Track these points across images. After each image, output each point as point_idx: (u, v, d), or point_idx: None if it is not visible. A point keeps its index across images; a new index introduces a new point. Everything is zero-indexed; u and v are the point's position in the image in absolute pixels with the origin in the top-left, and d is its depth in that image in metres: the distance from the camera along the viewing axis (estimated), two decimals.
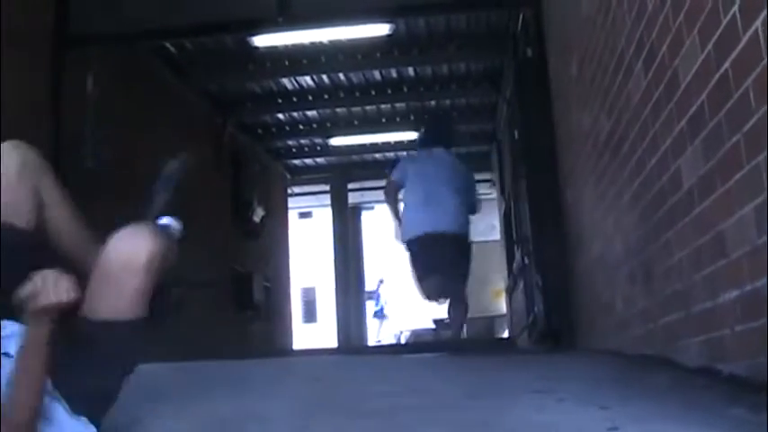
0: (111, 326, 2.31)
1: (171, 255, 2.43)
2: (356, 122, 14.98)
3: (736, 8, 2.58)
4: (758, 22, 2.41)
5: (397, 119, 14.84)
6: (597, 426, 2.39)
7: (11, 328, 2.21)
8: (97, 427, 2.35)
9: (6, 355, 2.17)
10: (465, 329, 10.86)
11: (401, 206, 8.77)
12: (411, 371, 3.67)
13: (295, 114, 14.62)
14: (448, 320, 8.71)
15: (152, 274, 2.36)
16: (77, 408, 2.27)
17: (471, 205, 8.70)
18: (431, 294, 8.38)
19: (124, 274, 2.34)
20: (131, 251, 2.35)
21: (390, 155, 17.12)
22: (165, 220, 2.53)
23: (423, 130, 9.79)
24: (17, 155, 2.47)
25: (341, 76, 12.81)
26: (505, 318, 17.18)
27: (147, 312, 2.45)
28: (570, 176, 6.83)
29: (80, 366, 2.28)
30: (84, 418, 2.29)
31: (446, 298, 8.45)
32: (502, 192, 14.35)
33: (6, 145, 2.42)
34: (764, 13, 2.36)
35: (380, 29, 10.40)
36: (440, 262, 8.06)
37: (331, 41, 11.21)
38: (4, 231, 2.37)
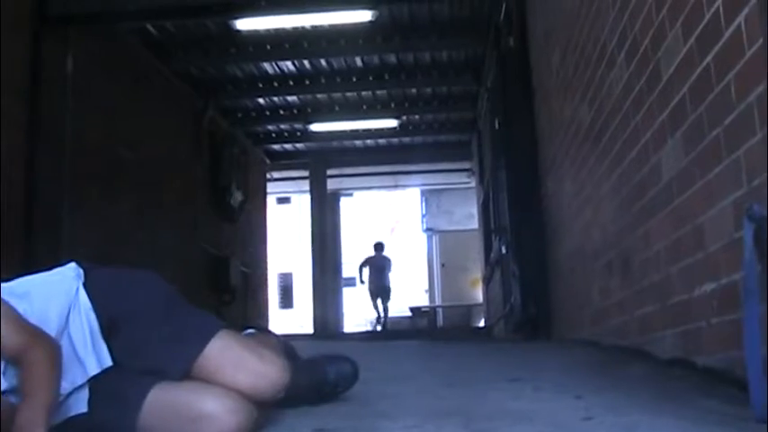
0: None
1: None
2: (337, 109, 14.94)
3: (719, 3, 2.59)
4: (741, 17, 2.42)
5: (378, 106, 14.81)
6: (572, 414, 2.40)
7: None
8: None
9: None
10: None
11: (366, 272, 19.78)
12: (388, 358, 3.69)
13: (276, 99, 14.57)
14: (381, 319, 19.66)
15: None
16: None
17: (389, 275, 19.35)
18: (377, 305, 19.77)
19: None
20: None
21: (370, 142, 17.12)
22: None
23: (377, 244, 20.34)
24: None
25: (322, 61, 12.77)
26: (482, 307, 17.23)
27: None
28: (550, 167, 6.85)
29: None
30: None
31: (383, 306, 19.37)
32: (481, 181, 14.37)
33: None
34: (747, 8, 2.37)
35: (363, 15, 10.36)
36: (382, 293, 19.47)
37: (313, 27, 11.16)
38: None
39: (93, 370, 2.28)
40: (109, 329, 2.34)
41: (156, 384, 2.29)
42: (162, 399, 2.28)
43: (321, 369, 2.79)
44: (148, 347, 2.36)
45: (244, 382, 2.32)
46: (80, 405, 2.27)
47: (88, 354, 2.29)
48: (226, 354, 2.36)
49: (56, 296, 2.32)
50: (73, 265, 2.45)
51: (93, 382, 2.29)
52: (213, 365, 2.34)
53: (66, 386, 2.22)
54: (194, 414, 2.24)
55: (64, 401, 2.23)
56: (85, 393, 2.28)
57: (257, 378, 2.35)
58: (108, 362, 2.31)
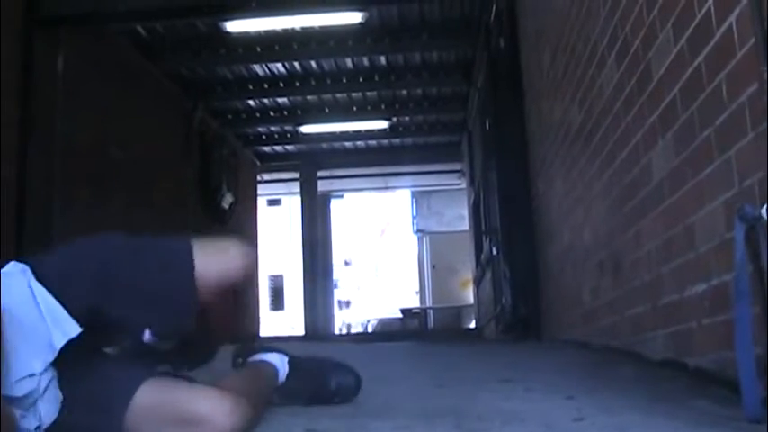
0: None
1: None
2: (327, 110, 14.93)
3: (710, 2, 2.59)
4: (732, 17, 2.42)
5: (369, 107, 14.81)
6: (564, 415, 2.40)
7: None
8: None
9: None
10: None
11: None
12: (378, 359, 3.69)
13: (266, 101, 14.56)
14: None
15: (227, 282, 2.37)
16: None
17: None
18: None
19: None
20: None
21: (361, 144, 17.11)
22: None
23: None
24: None
25: (312, 63, 12.76)
26: (473, 308, 17.24)
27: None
28: (541, 167, 6.85)
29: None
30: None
31: None
32: (471, 182, 14.38)
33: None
34: (739, 8, 2.38)
35: (353, 16, 10.37)
36: None
37: (303, 28, 11.15)
38: None
39: (60, 341, 2.15)
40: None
41: (144, 382, 2.21)
42: (150, 400, 2.19)
43: (323, 375, 2.78)
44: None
45: None
46: (51, 411, 2.20)
47: (49, 328, 2.15)
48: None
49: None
50: (12, 263, 2.29)
51: (68, 384, 2.19)
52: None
53: (37, 365, 2.12)
54: (187, 416, 2.17)
55: (32, 406, 2.18)
56: (56, 396, 2.22)
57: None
58: (74, 330, 2.16)
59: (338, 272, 21.86)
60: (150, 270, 2.31)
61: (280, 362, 2.77)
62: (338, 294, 26.12)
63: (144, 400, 2.19)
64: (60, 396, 2.19)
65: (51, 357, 2.14)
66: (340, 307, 27.47)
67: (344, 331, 23.44)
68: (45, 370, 2.14)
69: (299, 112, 15.04)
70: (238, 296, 2.57)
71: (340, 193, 22.72)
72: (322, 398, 2.75)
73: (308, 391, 2.72)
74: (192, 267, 2.30)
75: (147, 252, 2.39)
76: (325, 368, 2.82)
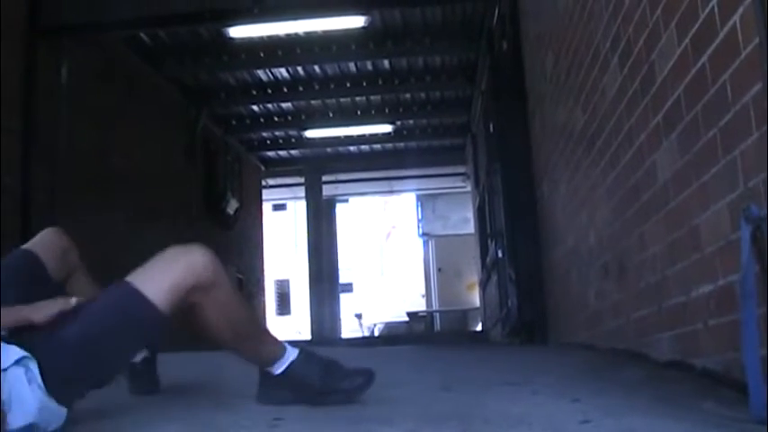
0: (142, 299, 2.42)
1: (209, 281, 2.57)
2: (331, 115, 14.95)
3: (714, 2, 2.59)
4: (736, 17, 2.42)
5: (372, 111, 14.83)
6: (570, 418, 2.39)
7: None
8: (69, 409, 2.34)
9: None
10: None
11: None
12: (384, 363, 3.67)
13: (269, 106, 14.58)
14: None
15: (191, 281, 2.50)
16: (54, 386, 2.27)
17: None
18: None
19: (175, 264, 2.53)
20: (193, 256, 2.57)
21: (365, 147, 17.12)
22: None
23: None
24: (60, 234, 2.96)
25: (316, 67, 12.78)
26: (479, 311, 17.23)
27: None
28: (545, 170, 6.85)
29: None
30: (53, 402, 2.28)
31: None
32: (476, 185, 14.37)
33: (53, 229, 2.96)
34: (742, 7, 2.37)
35: (356, 21, 10.37)
36: None
37: (306, 33, 11.17)
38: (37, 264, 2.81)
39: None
40: None
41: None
42: (147, 280, 2.45)
43: (336, 370, 2.83)
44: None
45: None
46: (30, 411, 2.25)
47: None
48: None
49: None
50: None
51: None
52: None
53: None
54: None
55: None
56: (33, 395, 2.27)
57: None
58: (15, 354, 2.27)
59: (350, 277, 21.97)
60: (113, 331, 2.43)
61: (289, 349, 2.81)
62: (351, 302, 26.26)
63: (145, 286, 2.42)
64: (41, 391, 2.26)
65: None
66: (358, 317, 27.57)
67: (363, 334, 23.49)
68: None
69: (302, 116, 15.07)
70: (232, 295, 2.66)
71: (345, 198, 22.73)
72: (330, 389, 2.78)
73: (319, 379, 2.76)
74: (144, 302, 2.41)
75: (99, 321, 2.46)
76: (338, 364, 2.86)
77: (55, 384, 2.27)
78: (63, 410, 2.32)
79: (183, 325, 2.59)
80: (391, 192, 22.80)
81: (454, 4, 10.64)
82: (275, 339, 2.85)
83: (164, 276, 2.47)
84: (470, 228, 17.43)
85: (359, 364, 2.91)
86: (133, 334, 2.49)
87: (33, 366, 2.25)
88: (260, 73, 12.90)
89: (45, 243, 2.90)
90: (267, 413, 2.56)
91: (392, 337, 17.88)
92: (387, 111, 14.83)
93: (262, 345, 2.77)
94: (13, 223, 7.72)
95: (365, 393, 2.84)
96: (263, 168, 17.53)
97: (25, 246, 2.87)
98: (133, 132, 10.59)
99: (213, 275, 2.54)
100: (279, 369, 2.76)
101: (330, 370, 2.81)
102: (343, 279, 21.74)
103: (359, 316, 28.00)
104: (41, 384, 2.25)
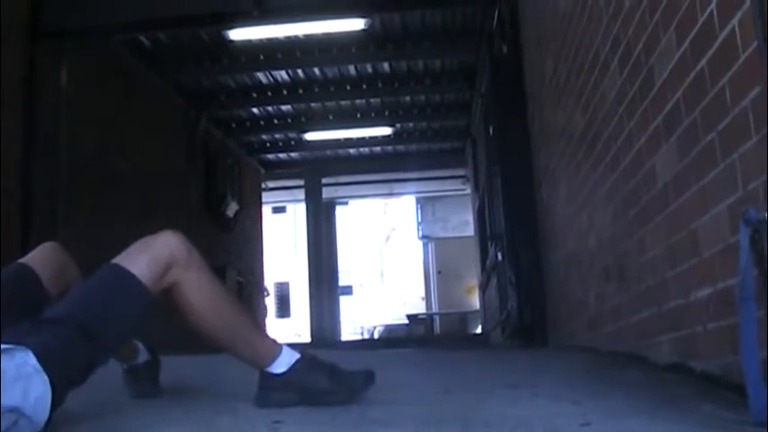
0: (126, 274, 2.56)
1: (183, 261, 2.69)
2: (331, 117, 14.95)
3: (713, 6, 2.59)
4: (735, 20, 2.42)
5: (372, 114, 14.83)
6: (570, 420, 2.40)
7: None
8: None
9: None
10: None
11: None
12: (384, 366, 3.67)
13: (269, 109, 14.59)
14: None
15: (168, 257, 2.64)
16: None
17: None
18: None
19: (156, 243, 2.68)
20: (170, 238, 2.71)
21: (365, 150, 17.12)
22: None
23: None
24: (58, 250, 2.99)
25: (316, 70, 12.79)
26: (478, 313, 17.23)
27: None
28: (545, 173, 6.85)
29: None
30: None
31: None
32: (476, 188, 14.37)
33: (51, 243, 2.99)
34: (741, 11, 2.37)
35: (356, 24, 10.39)
36: None
37: (306, 36, 11.17)
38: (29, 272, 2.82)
39: None
40: None
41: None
42: (130, 259, 2.62)
43: (341, 381, 2.86)
44: None
45: None
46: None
47: None
48: None
49: None
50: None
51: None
52: None
53: None
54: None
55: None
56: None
57: None
58: None
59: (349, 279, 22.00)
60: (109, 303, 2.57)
61: (286, 351, 2.83)
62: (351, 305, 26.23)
63: (126, 263, 2.60)
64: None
65: None
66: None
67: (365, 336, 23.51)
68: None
69: (302, 119, 15.07)
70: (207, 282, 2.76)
71: (345, 200, 22.73)
72: (332, 390, 2.81)
73: (324, 382, 2.80)
74: (128, 274, 2.58)
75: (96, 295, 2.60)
76: (339, 367, 2.89)
77: (51, 369, 2.28)
78: (48, 401, 2.29)
79: (170, 314, 2.69)
80: (391, 194, 22.80)
81: (454, 7, 10.64)
82: (269, 337, 2.90)
83: (141, 254, 2.63)
84: (470, 230, 17.43)
85: (360, 367, 2.92)
86: (121, 306, 2.58)
87: (24, 354, 2.25)
88: (260, 76, 12.90)
89: (42, 258, 2.90)
90: (267, 416, 2.56)
91: (392, 339, 17.88)
92: (387, 113, 14.83)
93: (254, 340, 2.81)
94: (14, 226, 7.73)
95: (366, 394, 2.86)
96: (262, 171, 17.54)
97: (22, 260, 2.87)
98: (133, 135, 10.59)
99: (188, 252, 2.68)
100: (279, 369, 2.77)
101: (333, 372, 2.83)
102: (342, 282, 21.73)
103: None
104: (40, 368, 2.25)
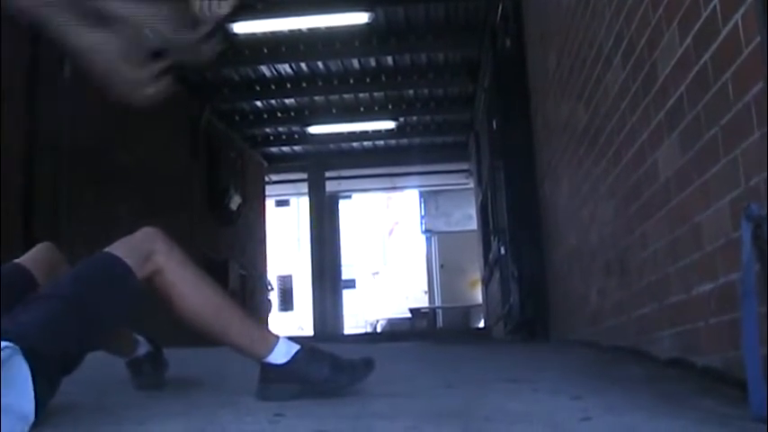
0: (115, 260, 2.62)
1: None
2: (334, 111, 14.96)
3: (716, 1, 2.59)
4: (738, 16, 2.42)
5: (376, 108, 14.83)
6: (571, 415, 2.40)
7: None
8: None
9: None
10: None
11: None
12: (386, 359, 3.67)
13: (273, 102, 14.59)
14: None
15: (150, 247, 2.72)
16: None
17: None
18: None
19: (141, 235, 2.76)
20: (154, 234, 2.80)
21: (368, 144, 17.12)
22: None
23: None
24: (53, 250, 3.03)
25: (319, 64, 12.79)
26: (481, 308, 17.23)
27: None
28: (548, 168, 6.85)
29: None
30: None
31: None
32: (479, 182, 14.37)
33: (46, 244, 3.04)
34: (744, 6, 2.37)
35: (359, 17, 10.39)
36: None
37: (310, 29, 11.18)
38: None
39: None
40: None
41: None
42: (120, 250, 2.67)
43: (342, 369, 2.85)
44: None
45: None
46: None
47: None
48: None
49: None
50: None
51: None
52: None
53: None
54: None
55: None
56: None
57: None
58: None
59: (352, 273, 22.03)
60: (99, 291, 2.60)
61: (284, 341, 2.82)
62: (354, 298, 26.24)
63: (115, 251, 2.65)
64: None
65: None
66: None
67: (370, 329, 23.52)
68: None
69: (306, 112, 15.07)
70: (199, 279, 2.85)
71: (348, 194, 22.73)
72: (334, 379, 2.81)
73: (327, 372, 2.80)
74: (115, 258, 2.64)
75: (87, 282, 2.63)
76: (339, 357, 2.89)
77: (37, 342, 2.28)
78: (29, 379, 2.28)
79: (160, 303, 2.72)
80: (394, 188, 22.79)
81: (457, 1, 10.65)
82: (264, 327, 2.97)
83: (123, 244, 2.71)
84: (473, 224, 17.43)
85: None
86: (107, 281, 2.61)
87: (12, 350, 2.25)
88: (264, 69, 12.90)
89: (37, 258, 2.94)
90: (268, 409, 2.56)
91: (395, 333, 17.88)
92: (390, 107, 14.83)
93: (247, 329, 2.81)
94: (16, 218, 7.73)
95: (367, 386, 2.86)
96: (266, 164, 17.53)
97: (18, 260, 2.90)
98: (136, 128, 10.59)
99: (168, 244, 2.78)
100: (280, 360, 2.77)
101: (334, 362, 2.83)
102: (345, 275, 21.74)
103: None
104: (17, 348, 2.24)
